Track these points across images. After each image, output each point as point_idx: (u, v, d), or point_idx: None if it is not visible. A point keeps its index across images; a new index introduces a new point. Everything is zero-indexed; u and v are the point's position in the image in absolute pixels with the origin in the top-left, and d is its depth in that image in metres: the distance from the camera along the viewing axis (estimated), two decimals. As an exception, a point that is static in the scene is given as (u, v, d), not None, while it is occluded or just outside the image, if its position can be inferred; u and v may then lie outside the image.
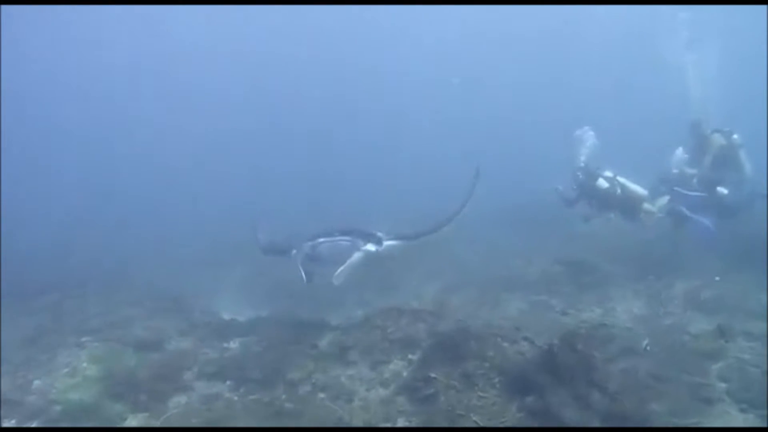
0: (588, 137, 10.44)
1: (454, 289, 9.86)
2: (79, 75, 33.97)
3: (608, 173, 10.03)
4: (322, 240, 7.81)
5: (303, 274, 7.76)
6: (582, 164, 10.08)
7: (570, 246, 10.88)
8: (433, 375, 6.00)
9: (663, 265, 9.47)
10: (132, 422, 5.89)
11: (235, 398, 6.35)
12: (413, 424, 5.56)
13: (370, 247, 7.70)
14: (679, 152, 10.60)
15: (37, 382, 6.43)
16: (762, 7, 22.16)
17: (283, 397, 6.29)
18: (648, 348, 6.73)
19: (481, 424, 5.34)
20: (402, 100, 36.70)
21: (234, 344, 7.72)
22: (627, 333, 7.25)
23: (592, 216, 10.15)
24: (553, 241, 11.38)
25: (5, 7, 21.76)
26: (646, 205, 9.93)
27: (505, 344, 6.38)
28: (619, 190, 9.88)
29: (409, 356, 6.66)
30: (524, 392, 5.64)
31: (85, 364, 6.60)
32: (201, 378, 6.74)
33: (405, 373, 6.47)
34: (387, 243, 7.88)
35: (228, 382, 6.67)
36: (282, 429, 5.61)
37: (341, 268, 7.45)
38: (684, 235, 10.42)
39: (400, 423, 5.64)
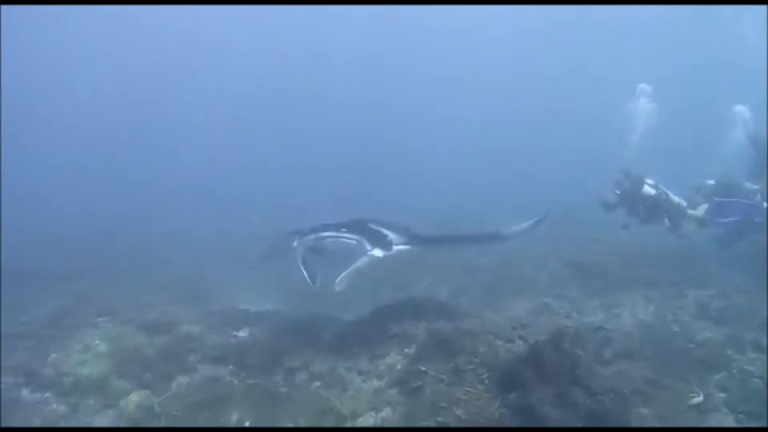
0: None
1: (463, 291, 9.94)
2: (110, 70, 35.18)
3: (650, 180, 9.99)
4: (326, 234, 7.17)
5: (306, 274, 7.00)
6: (624, 170, 10.02)
7: (585, 251, 10.81)
8: (423, 368, 6.14)
9: (679, 273, 9.36)
10: (134, 398, 6.21)
11: (235, 381, 6.61)
12: (397, 414, 5.71)
13: (377, 252, 7.00)
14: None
15: (53, 356, 6.85)
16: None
17: (280, 383, 6.53)
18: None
19: (463, 417, 5.46)
20: (438, 97, 36.73)
21: (243, 333, 7.99)
22: (625, 337, 7.22)
23: (631, 223, 10.10)
24: (568, 245, 11.31)
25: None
26: (691, 212, 9.90)
27: (499, 342, 6.46)
28: (664, 198, 9.88)
29: (405, 350, 6.80)
30: (509, 389, 5.72)
31: (97, 342, 6.98)
32: (205, 361, 7.03)
33: (399, 366, 6.62)
34: (397, 248, 7.23)
35: (230, 366, 6.94)
36: (283, 429, 5.73)
37: (344, 273, 6.75)
38: (712, 245, 10.35)
39: (385, 412, 5.79)
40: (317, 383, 6.52)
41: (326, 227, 7.27)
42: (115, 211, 18.27)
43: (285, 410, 6.04)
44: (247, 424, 5.87)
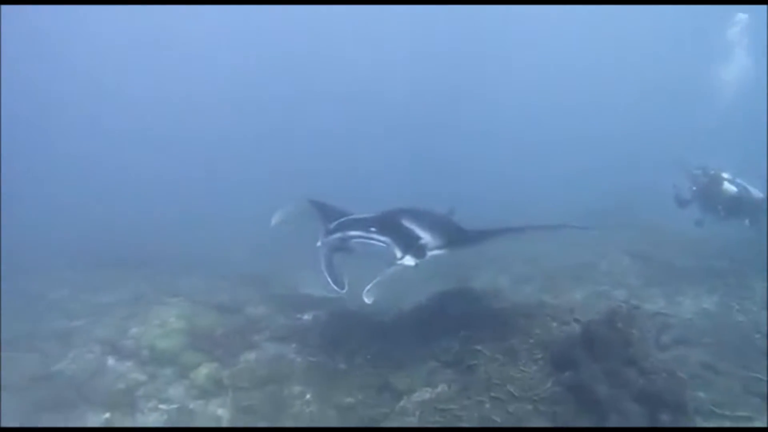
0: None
1: (523, 280, 10.01)
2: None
3: (727, 175, 9.76)
4: (353, 234, 6.23)
5: (330, 279, 6.16)
6: (702, 166, 9.83)
7: (646, 240, 10.68)
8: (478, 348, 6.31)
9: (747, 264, 9.13)
10: (203, 370, 6.65)
11: (298, 359, 6.96)
12: (452, 390, 5.90)
13: (408, 260, 6.04)
14: None
15: (133, 330, 7.40)
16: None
17: (339, 361, 6.83)
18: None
19: (515, 394, 5.61)
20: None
21: (306, 315, 8.32)
22: (685, 324, 7.16)
23: (706, 220, 9.90)
24: (630, 235, 11.19)
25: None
26: None
27: (554, 324, 6.56)
28: (745, 195, 9.61)
29: (462, 332, 6.97)
30: (562, 368, 5.83)
31: (172, 319, 7.47)
32: (271, 340, 7.40)
33: (455, 348, 6.80)
34: (431, 254, 6.31)
35: (293, 345, 7.28)
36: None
37: (370, 284, 5.89)
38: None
39: (440, 388, 5.99)
40: (374, 363, 6.76)
41: (354, 224, 6.40)
42: (170, 208, 19.11)
43: (343, 386, 6.35)
44: (308, 397, 6.20)
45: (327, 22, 37.52)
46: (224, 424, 5.98)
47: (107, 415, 6.25)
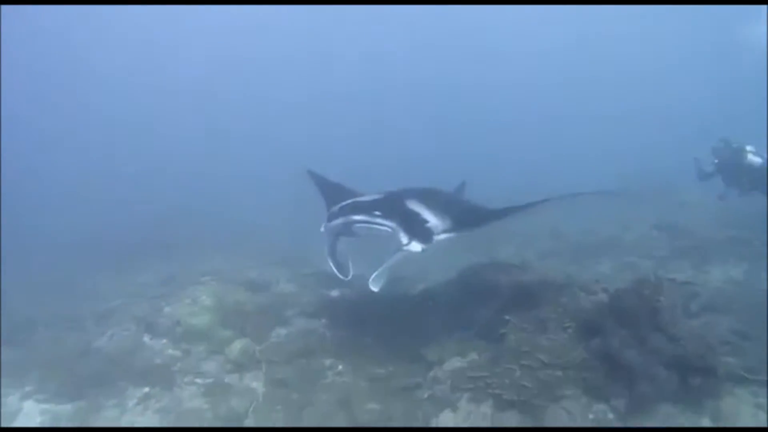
0: None
1: (549, 254, 10.04)
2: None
3: (751, 147, 9.61)
4: (357, 218, 6.01)
5: (334, 267, 6.24)
6: (724, 138, 9.72)
7: (672, 213, 10.64)
8: (507, 318, 6.38)
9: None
10: (237, 346, 6.80)
11: (328, 334, 7.09)
12: (482, 358, 5.98)
13: (414, 246, 5.74)
14: None
15: (167, 309, 7.57)
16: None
17: (370, 336, 6.93)
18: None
19: (545, 361, 5.68)
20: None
21: (334, 292, 8.44)
22: (714, 293, 7.15)
23: (729, 194, 9.80)
24: (655, 208, 11.14)
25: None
26: None
27: (582, 294, 6.60)
28: None
29: (490, 303, 7.03)
30: (591, 335, 5.88)
31: (204, 297, 7.62)
32: (301, 316, 7.54)
33: (483, 319, 6.88)
34: (438, 238, 5.98)
35: (323, 320, 7.41)
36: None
37: (377, 271, 5.75)
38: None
39: (471, 357, 6.08)
40: (403, 335, 6.86)
41: (357, 208, 6.17)
42: (196, 195, 19.37)
43: (374, 358, 6.47)
44: (340, 368, 6.33)
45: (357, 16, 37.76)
46: (259, 396, 6.11)
47: (146, 389, 6.45)
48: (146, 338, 7.29)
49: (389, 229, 5.82)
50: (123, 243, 12.50)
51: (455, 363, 6.08)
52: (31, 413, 6.44)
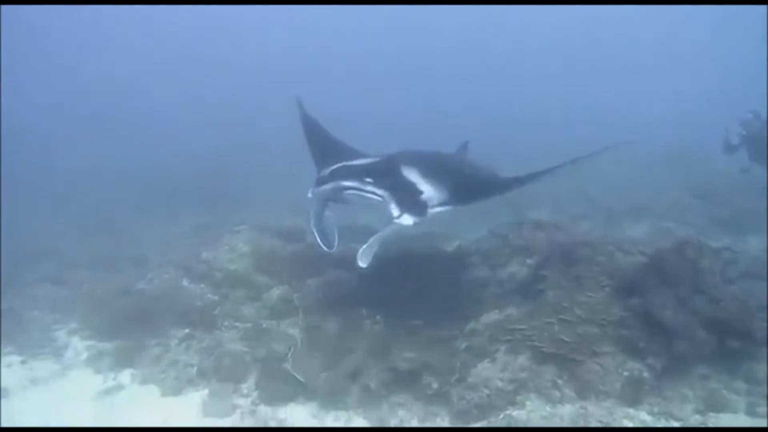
0: None
1: (582, 217, 10.01)
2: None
3: None
4: (347, 185, 5.57)
5: (318, 237, 5.86)
6: (754, 110, 9.52)
7: (705, 181, 10.50)
8: (544, 274, 6.42)
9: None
10: (276, 292, 6.93)
11: (364, 285, 7.15)
12: (520, 312, 6.05)
13: (406, 219, 5.30)
14: None
15: (204, 255, 7.69)
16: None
17: (406, 288, 7.00)
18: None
19: (583, 317, 5.73)
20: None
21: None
22: (753, 260, 7.11)
23: (753, 168, 9.64)
24: (687, 175, 11.01)
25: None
26: None
27: (618, 254, 6.61)
28: None
29: (527, 260, 7.07)
30: (629, 294, 5.92)
31: (241, 244, 7.73)
32: (336, 266, 7.59)
33: (520, 275, 6.93)
34: (433, 211, 5.56)
35: (357, 272, 7.47)
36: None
37: (365, 246, 5.33)
38: None
39: (509, 311, 6.15)
40: (438, 288, 6.91)
41: (349, 173, 5.70)
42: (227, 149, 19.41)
43: (412, 309, 6.53)
44: (377, 318, 6.42)
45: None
46: (297, 342, 6.22)
47: (187, 330, 6.62)
48: (185, 282, 7.46)
49: (380, 199, 5.40)
50: (158, 193, 12.66)
51: (493, 316, 6.14)
52: (78, 348, 6.69)
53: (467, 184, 6.02)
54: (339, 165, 5.93)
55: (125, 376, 6.19)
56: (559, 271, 6.48)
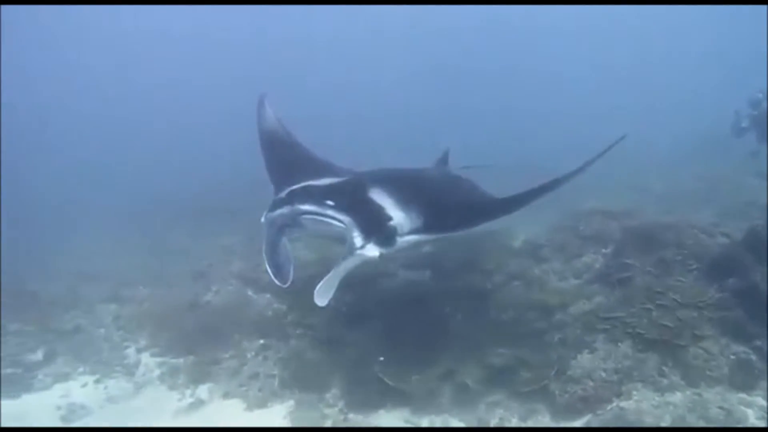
0: None
1: (639, 205, 9.71)
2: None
3: None
4: (306, 209, 4.83)
5: (270, 269, 4.94)
6: (762, 89, 9.31)
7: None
8: (628, 261, 6.20)
9: None
10: (346, 297, 6.70)
11: (437, 284, 6.96)
12: (610, 302, 5.82)
13: (371, 250, 4.60)
14: None
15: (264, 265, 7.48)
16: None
17: (479, 282, 6.80)
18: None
19: (680, 301, 5.50)
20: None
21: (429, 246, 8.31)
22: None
23: (761, 151, 9.41)
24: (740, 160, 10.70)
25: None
26: None
27: (703, 236, 6.38)
28: None
29: (603, 250, 6.86)
30: (725, 275, 5.68)
31: (303, 252, 7.54)
32: (403, 267, 7.39)
33: (597, 265, 6.71)
34: (403, 240, 4.85)
35: (428, 272, 7.28)
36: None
37: (324, 280, 4.54)
38: None
39: (598, 300, 5.92)
40: (515, 282, 6.71)
41: (307, 195, 5.00)
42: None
43: (490, 304, 6.33)
44: (459, 317, 6.21)
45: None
46: (379, 346, 6.00)
47: (262, 341, 6.42)
48: (250, 292, 7.28)
49: (342, 225, 4.68)
50: (190, 208, 12.46)
51: (582, 306, 5.93)
52: (150, 365, 6.51)
53: (448, 209, 5.35)
54: (298, 187, 5.22)
55: (203, 391, 5.98)
56: (642, 257, 6.26)
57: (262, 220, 5.18)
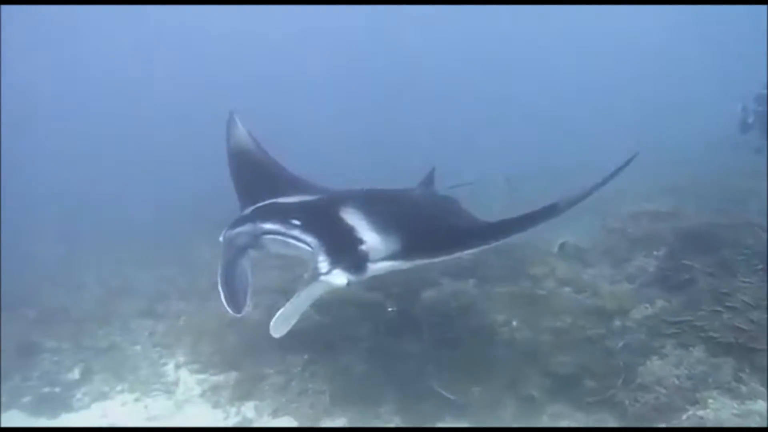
0: None
1: (680, 206, 9.48)
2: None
3: None
4: (268, 228, 4.30)
5: (223, 296, 4.22)
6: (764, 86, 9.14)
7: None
8: (687, 262, 5.97)
9: None
10: (389, 308, 6.45)
11: (484, 292, 6.71)
12: (673, 304, 5.59)
13: (338, 277, 4.00)
14: None
15: (306, 276, 7.23)
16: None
17: (529, 289, 6.56)
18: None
19: (749, 303, 5.26)
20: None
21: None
22: None
23: (765, 148, 9.22)
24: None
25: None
26: None
27: (764, 234, 6.15)
28: None
29: (654, 252, 6.63)
30: (796, 274, 5.46)
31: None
32: (446, 276, 7.14)
33: (651, 268, 6.48)
34: (377, 266, 4.27)
35: (471, 280, 7.03)
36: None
37: (281, 311, 3.98)
38: None
39: (659, 304, 5.69)
40: (567, 288, 6.50)
41: (273, 213, 4.54)
42: None
43: (546, 311, 6.08)
44: (514, 324, 5.97)
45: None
46: (431, 358, 5.75)
47: (307, 356, 6.17)
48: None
49: (308, 248, 4.16)
50: (214, 219, 12.21)
51: (643, 311, 5.70)
52: (189, 382, 6.25)
53: (429, 233, 4.87)
54: (263, 204, 4.82)
55: (248, 409, 5.71)
56: (700, 258, 6.03)
57: (220, 238, 4.58)
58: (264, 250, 4.54)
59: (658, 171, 11.82)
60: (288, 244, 4.24)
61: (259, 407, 5.72)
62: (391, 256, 4.32)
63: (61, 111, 30.32)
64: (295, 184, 5.99)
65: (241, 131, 6.24)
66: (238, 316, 4.26)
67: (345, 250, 4.17)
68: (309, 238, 4.15)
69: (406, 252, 4.35)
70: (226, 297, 4.21)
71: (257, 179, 5.89)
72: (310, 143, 18.49)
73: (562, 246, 7.22)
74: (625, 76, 31.95)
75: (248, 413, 5.68)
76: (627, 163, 4.49)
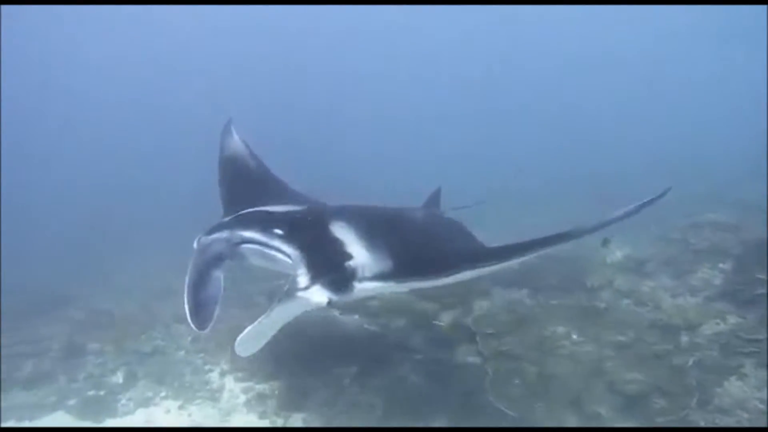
0: None
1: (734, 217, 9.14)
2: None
3: None
4: (247, 236, 4.01)
5: (188, 311, 3.68)
6: None
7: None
8: (761, 276, 5.65)
9: None
10: (445, 318, 6.21)
11: (539, 302, 6.46)
12: (751, 321, 5.28)
13: (317, 294, 3.59)
14: None
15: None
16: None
17: (587, 301, 6.29)
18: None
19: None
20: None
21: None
22: None
23: None
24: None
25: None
26: None
27: (839, 248, 5.83)
28: None
29: (720, 265, 6.31)
30: None
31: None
32: (498, 286, 6.91)
33: (717, 281, 6.17)
34: (363, 285, 3.81)
35: (525, 290, 6.79)
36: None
37: (249, 328, 3.50)
38: None
39: (732, 320, 5.39)
40: (626, 300, 6.22)
41: (254, 220, 4.21)
42: None
43: (608, 324, 5.80)
44: (574, 338, 5.69)
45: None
46: (488, 371, 5.47)
47: (356, 367, 5.93)
48: (337, 313, 6.80)
49: (288, 260, 3.81)
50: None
51: (714, 327, 5.40)
52: (234, 391, 6.09)
53: (424, 254, 4.35)
54: (247, 212, 4.49)
55: (296, 420, 5.52)
56: (772, 271, 5.71)
57: (195, 245, 4.18)
58: (242, 261, 4.17)
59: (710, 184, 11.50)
60: (266, 255, 3.94)
61: (307, 419, 5.52)
62: (382, 276, 3.87)
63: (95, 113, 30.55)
64: (287, 196, 5.64)
65: (234, 140, 5.97)
66: (204, 332, 3.75)
67: (329, 264, 3.79)
68: (290, 249, 3.83)
69: (398, 273, 3.89)
70: (190, 310, 3.72)
71: (246, 189, 5.57)
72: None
73: (605, 242, 6.88)
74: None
75: (296, 424, 5.49)
76: (661, 195, 3.95)
